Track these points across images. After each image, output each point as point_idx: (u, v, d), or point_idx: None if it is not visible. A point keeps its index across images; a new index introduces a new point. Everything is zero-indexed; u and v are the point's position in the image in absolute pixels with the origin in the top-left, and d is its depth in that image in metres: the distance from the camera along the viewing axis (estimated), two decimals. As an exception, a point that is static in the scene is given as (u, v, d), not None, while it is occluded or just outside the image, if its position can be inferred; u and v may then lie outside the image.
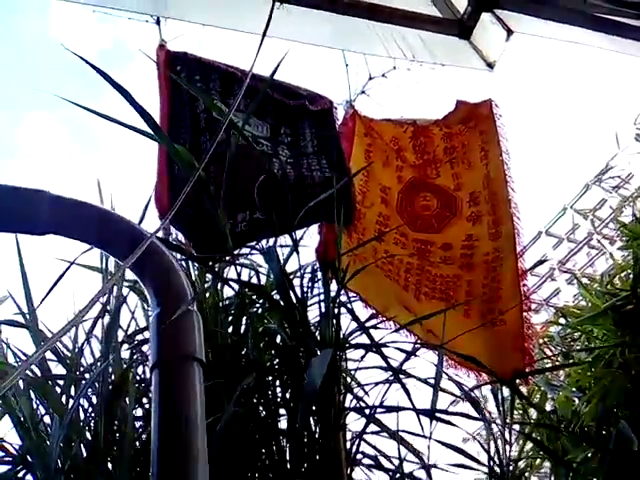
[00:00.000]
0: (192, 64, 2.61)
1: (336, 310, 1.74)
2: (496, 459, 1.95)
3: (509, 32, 2.27)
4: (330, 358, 1.38)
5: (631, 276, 2.72)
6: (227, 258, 2.12)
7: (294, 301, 1.68)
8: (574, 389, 2.82)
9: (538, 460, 2.62)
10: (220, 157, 2.36)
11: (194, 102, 2.47)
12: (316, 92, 2.72)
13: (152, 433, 0.89)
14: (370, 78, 3.02)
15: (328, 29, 2.23)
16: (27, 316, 2.04)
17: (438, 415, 1.53)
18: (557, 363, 3.64)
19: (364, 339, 1.78)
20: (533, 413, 2.80)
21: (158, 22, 2.51)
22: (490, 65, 2.36)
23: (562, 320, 3.98)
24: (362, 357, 1.71)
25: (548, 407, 2.99)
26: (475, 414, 1.67)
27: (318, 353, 1.50)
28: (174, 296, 1.06)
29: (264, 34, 1.83)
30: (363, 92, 3.02)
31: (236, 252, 2.16)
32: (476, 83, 2.64)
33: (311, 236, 2.30)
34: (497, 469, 1.91)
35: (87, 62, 1.85)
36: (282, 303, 1.65)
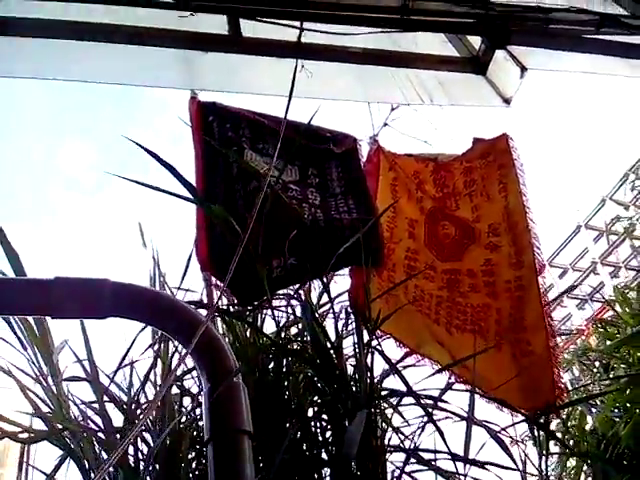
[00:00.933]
0: (222, 113, 2.77)
1: (368, 358, 1.84)
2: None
3: (523, 69, 2.35)
4: (365, 415, 1.49)
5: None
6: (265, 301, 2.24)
7: (326, 354, 1.80)
8: (613, 409, 2.84)
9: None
10: (253, 204, 2.51)
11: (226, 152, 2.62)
12: (339, 132, 2.84)
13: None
14: (392, 109, 3.11)
15: (346, 81, 2.35)
16: (86, 366, 2.22)
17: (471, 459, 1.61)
18: (596, 379, 3.65)
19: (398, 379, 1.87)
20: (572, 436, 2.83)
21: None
22: (507, 101, 2.44)
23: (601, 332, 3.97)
24: (398, 402, 1.79)
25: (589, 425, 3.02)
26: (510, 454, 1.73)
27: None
28: (222, 372, 1.19)
29: (290, 97, 1.97)
30: (386, 124, 3.12)
31: (273, 297, 2.28)
32: (494, 115, 2.70)
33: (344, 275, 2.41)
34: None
35: (134, 141, 2.01)
36: (316, 359, 1.77)
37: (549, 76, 2.64)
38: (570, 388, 3.56)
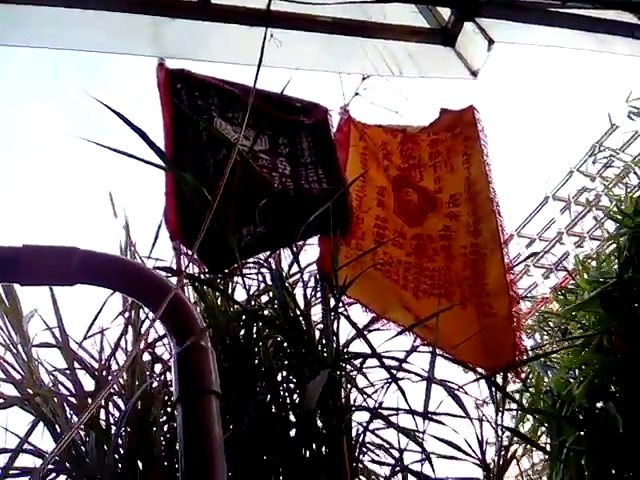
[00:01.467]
0: (191, 81, 2.73)
1: (335, 324, 1.91)
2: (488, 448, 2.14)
3: (490, 42, 2.38)
4: (328, 375, 1.56)
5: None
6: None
7: (295, 320, 1.86)
8: (568, 370, 2.99)
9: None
10: (222, 171, 2.51)
11: (196, 120, 2.60)
12: (310, 102, 2.84)
13: (179, 458, 1.07)
14: (363, 79, 3.12)
15: (315, 51, 2.35)
16: (56, 333, 2.23)
17: (430, 415, 1.71)
18: (554, 342, 3.83)
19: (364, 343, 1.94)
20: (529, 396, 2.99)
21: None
22: (474, 73, 2.47)
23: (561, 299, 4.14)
24: (361, 364, 1.87)
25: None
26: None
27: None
28: (190, 335, 1.23)
29: (259, 66, 1.97)
30: (357, 94, 3.13)
31: (243, 264, 2.32)
32: (463, 87, 2.74)
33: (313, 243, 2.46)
34: (488, 457, 2.10)
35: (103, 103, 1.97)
36: (285, 326, 1.82)
37: (517, 49, 2.68)
38: (530, 351, 3.73)
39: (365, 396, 1.85)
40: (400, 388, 1.72)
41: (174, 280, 2.10)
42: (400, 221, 2.76)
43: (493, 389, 2.27)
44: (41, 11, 1.92)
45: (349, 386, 1.88)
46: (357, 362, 1.93)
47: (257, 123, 2.70)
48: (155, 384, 2.06)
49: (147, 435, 1.80)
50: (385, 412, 1.81)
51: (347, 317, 1.95)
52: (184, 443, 1.10)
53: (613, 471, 2.54)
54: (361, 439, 1.85)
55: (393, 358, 1.81)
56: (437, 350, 2.25)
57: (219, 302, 2.33)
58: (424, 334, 2.43)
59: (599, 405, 2.76)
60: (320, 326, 1.98)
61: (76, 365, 2.20)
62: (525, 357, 2.52)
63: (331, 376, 1.65)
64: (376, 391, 1.83)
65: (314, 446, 1.68)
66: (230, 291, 2.42)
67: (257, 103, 2.80)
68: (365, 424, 1.84)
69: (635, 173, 4.31)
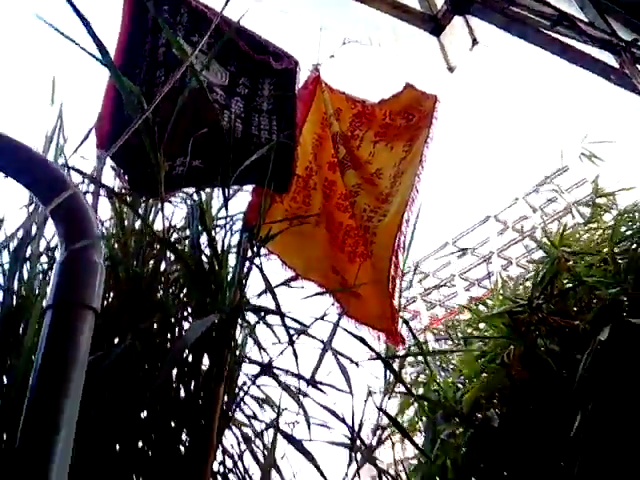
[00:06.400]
0: (161, -8, 2.54)
1: (246, 274, 1.85)
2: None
3: (474, 41, 2.35)
4: (221, 320, 1.51)
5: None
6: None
7: (204, 262, 1.78)
8: (461, 376, 3.10)
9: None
10: (171, 95, 2.35)
11: (156, 33, 2.43)
12: (283, 49, 2.72)
13: (34, 369, 0.99)
14: (343, 43, 3.03)
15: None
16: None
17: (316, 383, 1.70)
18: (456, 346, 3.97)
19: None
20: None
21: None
22: (451, 69, 2.44)
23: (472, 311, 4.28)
24: (261, 318, 1.82)
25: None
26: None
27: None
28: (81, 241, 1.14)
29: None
30: (332, 56, 3.04)
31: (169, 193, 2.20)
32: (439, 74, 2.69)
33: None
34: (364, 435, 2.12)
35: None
36: (193, 265, 1.74)
37: (497, 58, 2.67)
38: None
39: (260, 351, 1.81)
40: (294, 351, 1.69)
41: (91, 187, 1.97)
42: (344, 189, 2.72)
43: (386, 370, 2.30)
44: None
45: (245, 338, 1.84)
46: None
47: (225, 55, 2.56)
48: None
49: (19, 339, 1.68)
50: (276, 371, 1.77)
51: (260, 270, 1.89)
52: (43, 353, 1.02)
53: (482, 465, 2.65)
54: (243, 391, 1.82)
55: (297, 321, 1.76)
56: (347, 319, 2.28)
57: (136, 226, 2.21)
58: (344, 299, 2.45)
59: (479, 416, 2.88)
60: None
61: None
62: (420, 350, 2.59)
63: (224, 322, 1.59)
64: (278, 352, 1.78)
65: (192, 387, 1.63)
66: (150, 217, 2.30)
67: (228, 34, 2.65)
68: (252, 377, 1.81)
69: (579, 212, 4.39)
